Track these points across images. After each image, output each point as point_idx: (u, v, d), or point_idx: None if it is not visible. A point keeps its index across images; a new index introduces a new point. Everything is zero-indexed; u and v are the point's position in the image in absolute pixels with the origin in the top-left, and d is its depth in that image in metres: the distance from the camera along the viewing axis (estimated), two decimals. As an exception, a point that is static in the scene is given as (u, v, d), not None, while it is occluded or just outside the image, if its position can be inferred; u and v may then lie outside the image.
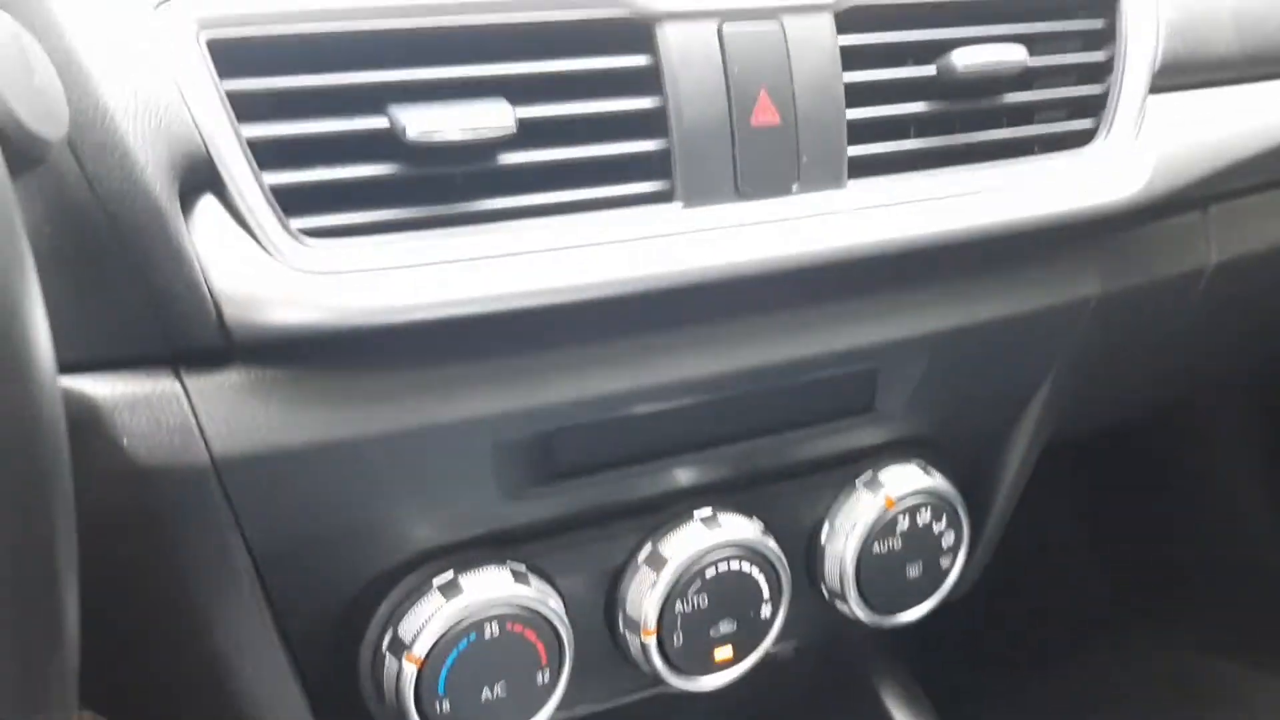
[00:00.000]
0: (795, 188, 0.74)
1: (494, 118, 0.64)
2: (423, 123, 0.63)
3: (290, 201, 0.62)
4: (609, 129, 0.69)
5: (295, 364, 0.64)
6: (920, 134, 0.79)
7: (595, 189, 0.69)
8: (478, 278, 0.64)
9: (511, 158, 0.67)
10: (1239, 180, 0.92)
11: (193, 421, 0.61)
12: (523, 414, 0.71)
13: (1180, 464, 1.39)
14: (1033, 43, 0.82)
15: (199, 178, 0.60)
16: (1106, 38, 0.85)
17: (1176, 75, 0.87)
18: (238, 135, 0.60)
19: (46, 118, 0.43)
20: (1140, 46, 0.85)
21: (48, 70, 0.45)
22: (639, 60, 0.69)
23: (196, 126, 0.59)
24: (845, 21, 0.75)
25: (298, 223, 0.62)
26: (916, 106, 0.78)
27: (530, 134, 0.67)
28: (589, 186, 0.69)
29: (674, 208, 0.71)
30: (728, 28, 0.71)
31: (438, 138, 0.63)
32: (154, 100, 0.57)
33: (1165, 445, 1.38)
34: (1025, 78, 0.82)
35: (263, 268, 0.60)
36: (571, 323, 0.70)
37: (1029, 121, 0.84)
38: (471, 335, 0.67)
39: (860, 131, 0.76)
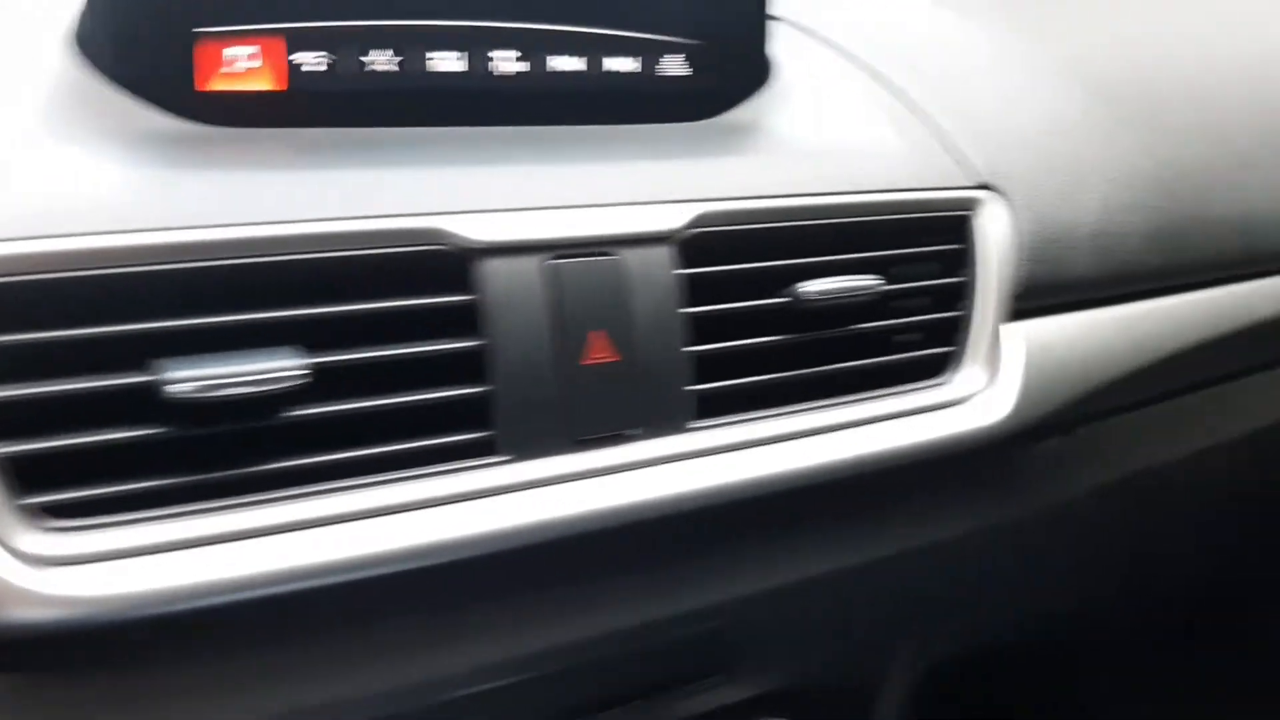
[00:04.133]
0: (635, 433, 0.67)
1: (277, 368, 0.56)
2: (188, 378, 0.54)
3: (24, 477, 0.52)
4: (420, 375, 0.62)
5: (44, 670, 0.53)
6: (772, 368, 0.73)
7: (404, 443, 0.61)
8: (249, 556, 0.55)
9: (300, 412, 0.58)
10: (1104, 403, 0.89)
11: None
12: (320, 712, 0.61)
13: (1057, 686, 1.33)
14: (887, 268, 0.78)
15: None
16: (962, 261, 0.82)
17: (1036, 298, 0.84)
18: (-44, 402, 0.50)
19: None
20: (996, 269, 0.82)
21: None
22: (455, 298, 0.62)
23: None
24: (687, 252, 0.69)
25: (32, 500, 0.52)
26: (767, 339, 0.72)
27: (326, 383, 0.59)
28: (396, 441, 0.61)
29: (496, 461, 0.63)
30: (553, 261, 0.65)
31: (208, 394, 0.54)
32: None
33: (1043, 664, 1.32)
34: (880, 304, 0.77)
35: (-14, 557, 0.50)
36: (378, 601, 0.60)
37: (886, 348, 0.79)
38: (252, 624, 0.57)
39: (707, 368, 0.70)
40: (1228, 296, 0.99)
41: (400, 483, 0.60)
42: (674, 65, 0.77)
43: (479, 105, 0.70)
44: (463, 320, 0.63)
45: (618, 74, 0.74)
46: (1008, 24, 1.01)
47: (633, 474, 0.66)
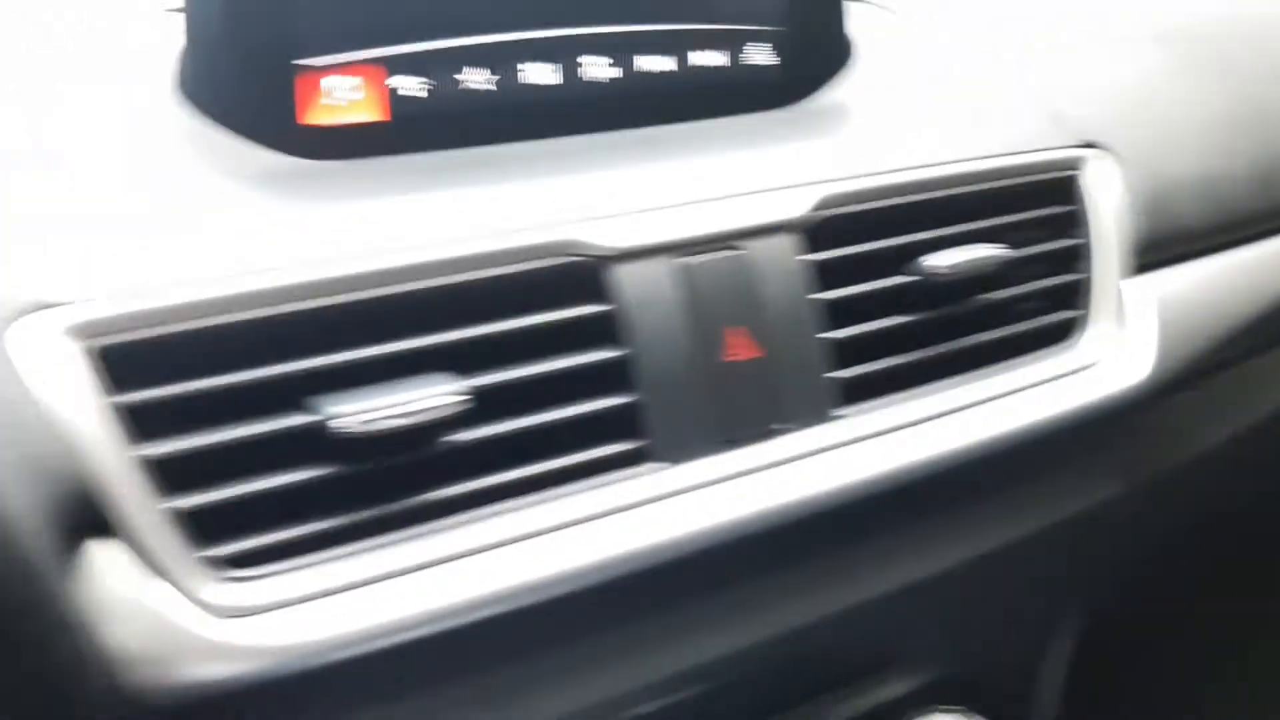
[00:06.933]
0: (784, 427, 0.65)
1: (437, 394, 0.55)
2: (349, 413, 0.53)
3: (201, 528, 0.51)
4: (565, 389, 0.60)
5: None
6: (905, 348, 0.72)
7: (559, 459, 0.60)
8: (433, 589, 0.54)
9: (461, 437, 0.57)
10: (1233, 350, 0.86)
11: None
12: None
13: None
14: (1003, 236, 0.77)
15: (86, 517, 0.48)
16: (1074, 222, 0.80)
17: (1153, 252, 0.82)
18: (130, 458, 0.49)
19: None
20: (1113, 226, 0.80)
21: None
22: (595, 308, 0.61)
23: (79, 456, 0.48)
24: (810, 237, 0.68)
25: (212, 552, 0.51)
26: (899, 319, 0.71)
27: (480, 406, 0.57)
28: (551, 458, 0.59)
29: (653, 467, 0.61)
30: (684, 261, 0.63)
31: (373, 427, 0.53)
32: (20, 435, 0.47)
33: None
34: (1003, 274, 0.75)
35: (172, 615, 0.49)
36: (552, 623, 0.59)
37: (1010, 317, 0.77)
38: (435, 657, 0.56)
39: (845, 353, 0.68)
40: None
41: (562, 499, 0.59)
42: (759, 54, 0.75)
43: (572, 114, 0.69)
44: (603, 330, 0.61)
45: (706, 68, 0.73)
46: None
47: (786, 468, 0.64)
